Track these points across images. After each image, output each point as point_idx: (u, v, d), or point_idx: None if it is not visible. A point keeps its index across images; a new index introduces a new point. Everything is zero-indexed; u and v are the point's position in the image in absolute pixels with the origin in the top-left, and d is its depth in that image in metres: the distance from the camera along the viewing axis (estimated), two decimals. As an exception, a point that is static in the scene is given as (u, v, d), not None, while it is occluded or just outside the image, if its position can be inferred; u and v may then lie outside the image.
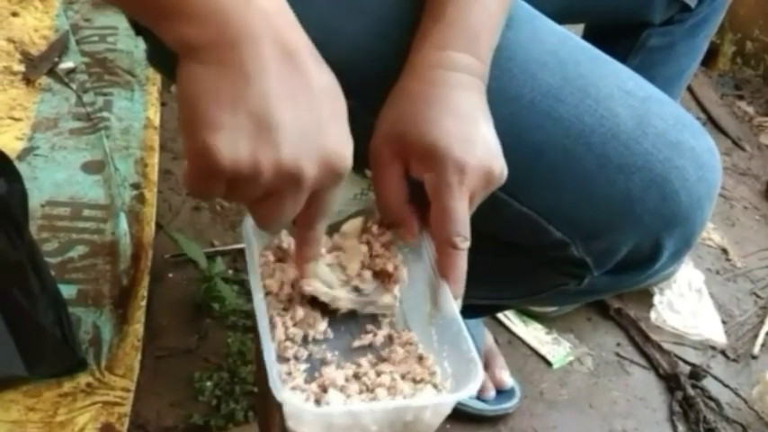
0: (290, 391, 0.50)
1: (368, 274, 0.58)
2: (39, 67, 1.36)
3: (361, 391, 0.52)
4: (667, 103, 0.70)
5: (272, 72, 0.45)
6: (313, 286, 0.56)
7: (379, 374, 0.54)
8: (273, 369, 0.48)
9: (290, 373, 0.53)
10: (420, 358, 0.56)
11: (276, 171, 0.45)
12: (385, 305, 0.58)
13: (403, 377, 0.54)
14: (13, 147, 1.18)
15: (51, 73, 1.36)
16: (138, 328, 0.97)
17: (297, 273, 0.57)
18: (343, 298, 0.57)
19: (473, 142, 0.56)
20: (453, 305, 0.55)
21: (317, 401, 0.51)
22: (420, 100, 0.58)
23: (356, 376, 0.54)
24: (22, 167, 1.06)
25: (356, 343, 0.57)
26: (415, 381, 0.54)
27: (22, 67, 1.35)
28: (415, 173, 0.57)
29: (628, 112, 0.66)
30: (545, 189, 0.66)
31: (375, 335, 0.57)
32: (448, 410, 0.52)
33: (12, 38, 1.41)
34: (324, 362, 0.55)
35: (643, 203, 0.66)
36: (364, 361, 0.55)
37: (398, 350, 0.56)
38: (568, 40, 0.70)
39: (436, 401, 0.52)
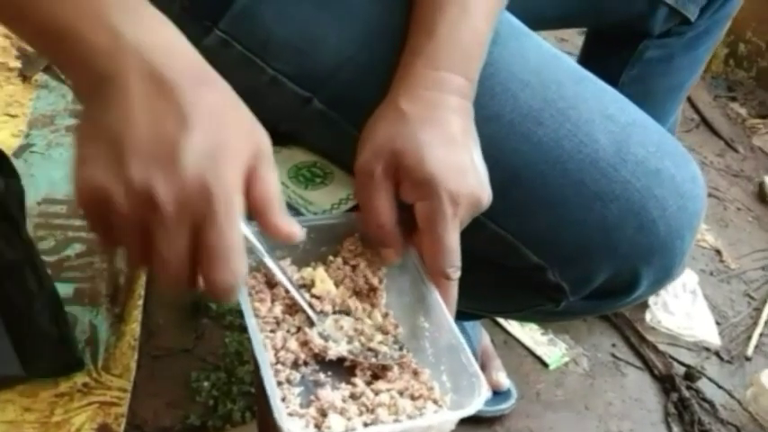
0: (293, 420, 0.49)
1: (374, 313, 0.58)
2: (35, 63, 1.35)
3: (361, 413, 0.51)
4: (651, 130, 0.69)
5: (134, 98, 0.44)
6: (322, 345, 0.54)
7: (377, 393, 0.52)
8: (276, 398, 0.47)
9: (284, 399, 0.51)
10: (415, 373, 0.54)
11: (127, 193, 0.43)
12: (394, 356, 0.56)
13: (401, 394, 0.52)
14: (9, 144, 1.17)
15: (48, 70, 1.35)
16: (134, 327, 0.96)
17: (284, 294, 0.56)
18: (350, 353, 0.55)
19: (466, 172, 0.56)
20: (448, 316, 0.55)
21: (317, 427, 0.49)
22: (416, 123, 0.57)
23: (353, 396, 0.52)
24: (18, 165, 1.05)
25: (348, 362, 0.55)
26: (413, 397, 0.52)
27: (18, 64, 1.34)
28: (405, 196, 0.57)
29: (608, 138, 0.65)
30: (521, 212, 0.66)
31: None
32: (452, 427, 0.51)
33: (8, 34, 1.40)
34: (317, 383, 0.53)
35: (619, 232, 0.65)
36: (359, 380, 0.53)
37: (393, 367, 0.54)
38: (553, 59, 0.69)
39: (442, 419, 0.51)
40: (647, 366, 1.22)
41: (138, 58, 0.44)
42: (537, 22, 0.71)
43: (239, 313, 1.06)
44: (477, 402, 0.50)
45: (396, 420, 0.50)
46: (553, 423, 1.11)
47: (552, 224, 0.66)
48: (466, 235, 0.57)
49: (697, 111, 1.81)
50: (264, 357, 0.50)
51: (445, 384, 0.54)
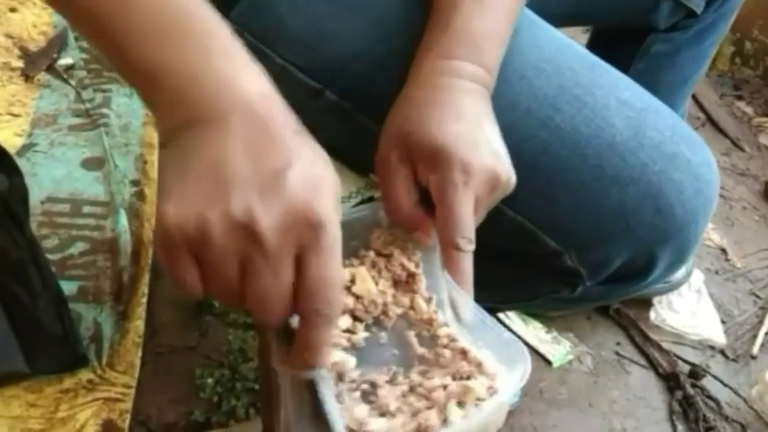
0: None
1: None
2: (37, 63, 1.35)
3: (417, 410, 0.49)
4: (665, 114, 0.69)
5: (236, 138, 0.42)
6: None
7: (430, 390, 0.51)
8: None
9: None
10: (463, 353, 0.53)
11: (225, 224, 0.40)
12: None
13: (454, 378, 0.51)
14: (12, 143, 1.18)
15: (50, 69, 1.35)
16: (138, 324, 0.96)
17: None
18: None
19: (478, 144, 0.56)
20: (466, 296, 0.54)
21: None
22: (425, 104, 0.57)
23: (412, 390, 0.51)
24: (21, 164, 1.05)
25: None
26: (468, 378, 0.51)
27: (20, 63, 1.35)
28: (421, 176, 0.57)
29: (624, 122, 0.66)
30: (539, 198, 0.66)
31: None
32: (515, 398, 0.50)
33: (10, 33, 1.41)
34: (374, 384, 0.51)
35: (637, 216, 0.66)
36: (414, 374, 0.52)
37: (444, 352, 0.53)
38: (566, 47, 0.70)
39: (502, 399, 0.50)
40: (652, 364, 1.22)
41: (242, 103, 0.43)
42: (544, 19, 0.71)
43: (243, 311, 1.07)
44: (523, 367, 0.49)
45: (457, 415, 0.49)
46: (557, 421, 1.11)
47: (570, 209, 0.66)
48: (485, 224, 0.57)
49: (703, 109, 1.80)
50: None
51: (488, 355, 0.53)
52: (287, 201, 0.41)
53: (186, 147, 0.43)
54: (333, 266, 0.43)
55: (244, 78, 0.44)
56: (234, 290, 0.43)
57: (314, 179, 0.43)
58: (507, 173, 0.57)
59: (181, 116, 0.43)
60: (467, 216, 0.54)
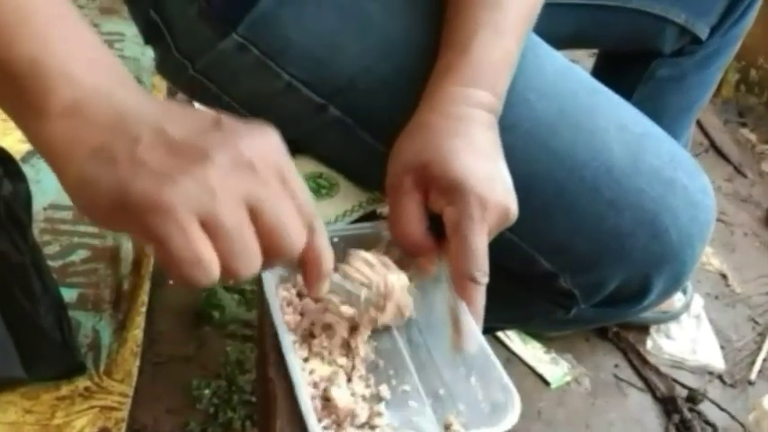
0: None
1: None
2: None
3: None
4: (664, 140, 0.70)
5: (149, 120, 0.41)
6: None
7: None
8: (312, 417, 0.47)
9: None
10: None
11: (225, 165, 0.39)
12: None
13: None
14: (17, 149, 1.18)
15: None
16: (137, 333, 0.97)
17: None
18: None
19: (494, 180, 0.57)
20: (476, 329, 0.54)
21: None
22: (444, 133, 0.58)
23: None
24: (25, 170, 1.05)
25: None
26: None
27: (29, 70, 1.36)
28: (434, 205, 0.57)
29: (622, 147, 0.66)
30: (536, 220, 0.66)
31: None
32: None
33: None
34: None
35: (633, 240, 0.66)
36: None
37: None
38: (569, 71, 0.70)
39: None
40: (650, 388, 1.21)
41: (128, 97, 0.42)
42: (549, 41, 0.72)
43: (242, 322, 1.07)
44: (511, 418, 0.49)
45: None
46: (554, 442, 1.10)
47: (566, 231, 0.66)
48: None
49: (707, 135, 1.81)
50: (299, 379, 0.50)
51: (478, 398, 0.53)
52: (220, 171, 0.40)
53: (102, 153, 0.40)
54: (282, 208, 0.42)
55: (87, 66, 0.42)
56: (254, 249, 0.41)
57: (235, 132, 0.42)
58: (516, 208, 0.58)
59: (78, 123, 0.41)
60: (482, 250, 0.55)
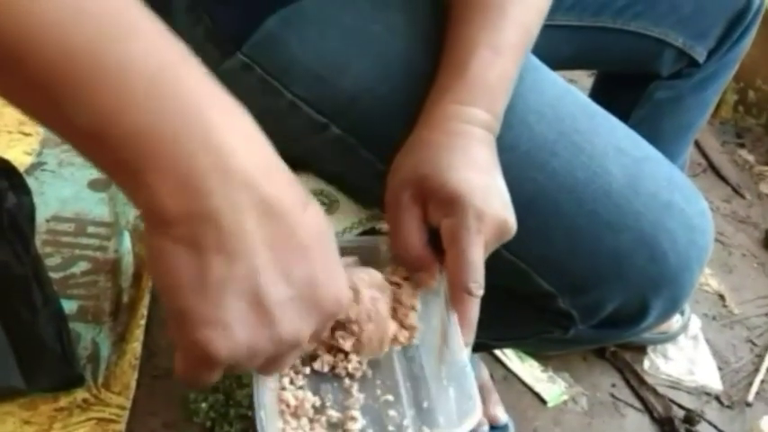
0: None
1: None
2: (51, 83, 1.38)
3: None
4: (662, 164, 0.70)
5: (257, 242, 0.40)
6: None
7: None
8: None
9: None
10: None
11: (276, 346, 0.42)
12: None
13: None
14: (21, 161, 1.20)
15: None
16: (136, 346, 0.97)
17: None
18: None
19: (491, 194, 0.57)
20: (461, 342, 0.55)
21: None
22: (441, 148, 0.58)
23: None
24: (29, 182, 1.06)
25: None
26: None
27: (34, 83, 1.37)
28: (432, 218, 0.57)
29: (620, 170, 0.66)
30: (534, 240, 0.66)
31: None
32: None
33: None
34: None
35: (630, 262, 0.66)
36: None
37: None
38: (568, 94, 0.71)
39: None
40: (647, 408, 1.22)
41: (248, 187, 0.39)
42: (548, 62, 0.73)
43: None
44: (467, 425, 0.50)
45: None
46: (550, 461, 1.10)
47: (564, 252, 0.67)
48: None
49: (705, 156, 1.82)
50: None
51: (452, 409, 0.54)
52: (323, 310, 0.43)
53: (201, 247, 0.39)
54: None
55: (246, 154, 0.40)
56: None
57: (333, 274, 0.44)
58: (513, 222, 0.58)
59: (181, 202, 0.38)
60: (478, 261, 0.56)
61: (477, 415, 0.50)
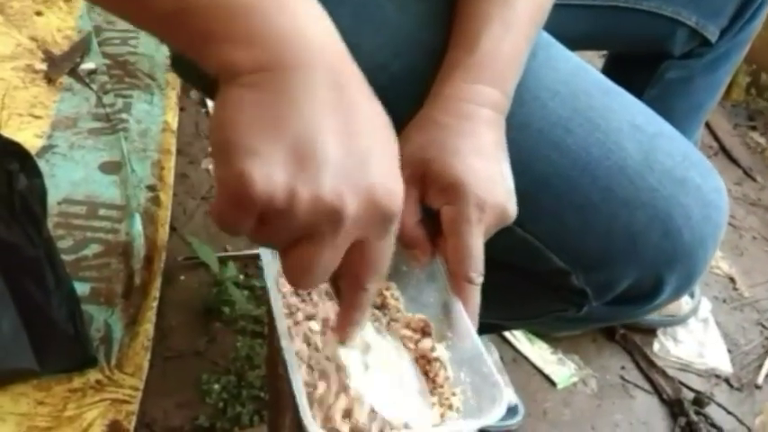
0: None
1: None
2: (60, 66, 1.38)
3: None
4: (677, 140, 0.70)
5: (321, 101, 0.41)
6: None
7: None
8: (303, 397, 0.48)
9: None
10: (435, 382, 0.55)
11: (313, 204, 0.40)
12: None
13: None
14: (32, 144, 1.20)
15: (72, 73, 1.38)
16: (148, 328, 0.98)
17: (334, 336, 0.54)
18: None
19: (494, 181, 0.57)
20: (470, 326, 0.55)
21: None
22: (448, 132, 0.58)
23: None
24: (40, 165, 1.06)
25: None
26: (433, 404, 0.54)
27: (43, 66, 1.37)
28: (431, 201, 0.58)
29: (635, 146, 0.66)
30: (548, 218, 0.67)
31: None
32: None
33: (35, 36, 1.44)
34: None
35: (645, 239, 0.66)
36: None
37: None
38: (581, 70, 0.70)
39: (459, 428, 0.52)
40: (656, 390, 1.22)
41: (321, 51, 0.42)
42: (560, 42, 0.72)
43: (251, 318, 1.08)
44: (497, 411, 0.50)
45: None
46: (559, 442, 1.11)
47: (579, 229, 0.67)
48: (493, 239, 0.58)
49: (716, 138, 1.81)
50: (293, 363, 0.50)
51: (467, 393, 0.54)
52: (372, 192, 0.42)
53: (269, 92, 0.40)
54: (388, 250, 0.46)
55: (320, 27, 0.43)
56: (283, 245, 0.43)
57: (391, 166, 0.44)
58: (514, 207, 0.58)
59: (259, 56, 0.40)
60: (479, 251, 0.56)
61: (504, 402, 0.50)
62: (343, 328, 0.51)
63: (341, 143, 0.41)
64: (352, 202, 0.41)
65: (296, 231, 0.41)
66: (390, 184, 0.43)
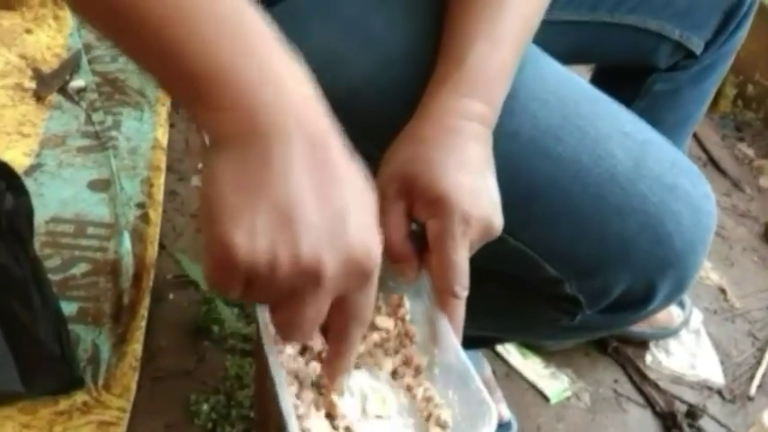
0: None
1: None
2: (50, 84, 1.38)
3: None
4: (665, 147, 0.70)
5: (298, 165, 0.43)
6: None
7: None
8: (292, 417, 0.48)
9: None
10: (427, 400, 0.55)
11: (293, 267, 0.42)
12: None
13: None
14: (20, 162, 1.19)
15: (62, 91, 1.37)
16: (136, 347, 0.97)
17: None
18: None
19: (479, 195, 0.57)
20: (455, 341, 0.55)
21: None
22: (434, 146, 0.58)
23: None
24: (28, 183, 1.06)
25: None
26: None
27: (33, 84, 1.37)
28: (418, 215, 0.58)
29: (625, 153, 0.66)
30: (541, 226, 0.67)
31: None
32: None
33: (24, 54, 1.43)
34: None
35: (637, 245, 0.66)
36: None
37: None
38: (570, 80, 0.71)
39: None
40: (649, 403, 1.21)
41: (296, 115, 0.44)
42: None
43: (241, 337, 1.07)
44: (487, 430, 0.50)
45: None
46: (553, 458, 1.10)
47: (571, 237, 0.67)
48: (486, 249, 0.58)
49: (705, 150, 1.82)
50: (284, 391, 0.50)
51: (455, 411, 0.54)
52: (349, 250, 0.44)
53: (249, 158, 0.43)
54: (369, 300, 0.48)
55: (298, 89, 0.46)
56: (271, 304, 0.46)
57: (368, 221, 0.46)
58: (500, 221, 0.58)
59: (242, 125, 0.43)
60: (463, 264, 0.56)
61: (494, 420, 0.50)
62: (331, 377, 0.52)
63: (318, 204, 0.43)
64: (331, 260, 0.43)
65: (280, 292, 0.44)
66: (367, 240, 0.45)
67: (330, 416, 0.52)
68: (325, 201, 0.43)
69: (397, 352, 0.58)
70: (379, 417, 0.54)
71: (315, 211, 0.43)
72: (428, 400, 0.55)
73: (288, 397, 0.49)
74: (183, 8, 0.44)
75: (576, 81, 0.71)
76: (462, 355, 0.54)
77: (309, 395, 0.52)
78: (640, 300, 0.70)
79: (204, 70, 0.44)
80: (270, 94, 0.44)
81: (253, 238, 0.41)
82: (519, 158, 0.64)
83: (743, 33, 0.98)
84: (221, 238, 0.42)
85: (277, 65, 0.45)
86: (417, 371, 0.57)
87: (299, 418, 0.50)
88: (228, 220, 0.42)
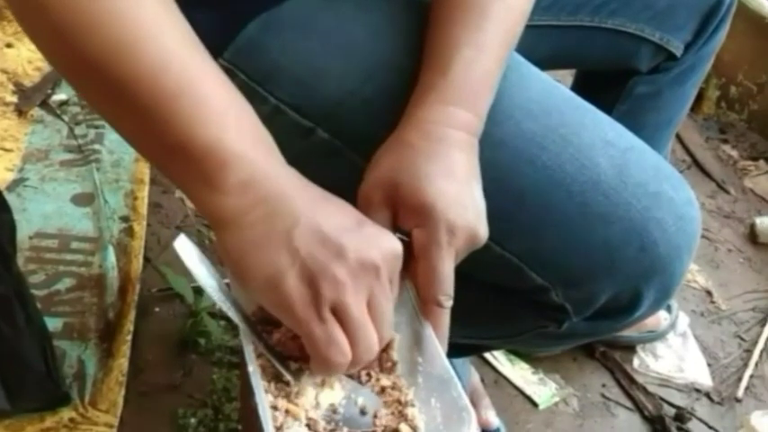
0: None
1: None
2: (31, 98, 1.37)
3: None
4: (648, 154, 0.71)
5: (302, 209, 0.52)
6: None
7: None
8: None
9: None
10: (402, 414, 0.55)
11: (359, 263, 0.50)
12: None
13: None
14: (2, 177, 1.18)
15: (44, 105, 1.36)
16: (122, 362, 0.96)
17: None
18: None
19: (465, 206, 0.57)
20: (440, 350, 0.55)
21: None
22: (420, 154, 0.58)
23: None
24: (11, 198, 1.06)
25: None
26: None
27: (14, 99, 1.36)
28: (403, 224, 0.58)
29: (608, 161, 0.67)
30: (525, 235, 0.67)
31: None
32: None
33: (5, 69, 1.42)
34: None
35: (622, 253, 0.66)
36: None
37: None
38: (553, 88, 0.71)
39: None
40: (638, 407, 1.22)
41: (290, 179, 0.53)
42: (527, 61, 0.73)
43: (228, 349, 1.07)
44: None
45: None
46: (543, 464, 1.10)
47: (556, 245, 0.67)
48: (472, 258, 0.58)
49: (689, 152, 1.83)
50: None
51: (437, 420, 0.54)
52: (379, 241, 0.53)
53: (262, 223, 0.51)
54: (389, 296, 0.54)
55: (273, 154, 0.54)
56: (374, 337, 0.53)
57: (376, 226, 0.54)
58: (485, 230, 0.58)
59: (247, 201, 0.51)
60: (448, 274, 0.56)
61: (473, 426, 0.50)
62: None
63: (339, 222, 0.53)
64: (376, 254, 0.51)
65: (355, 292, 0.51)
66: (385, 235, 0.54)
67: (309, 426, 0.52)
68: (341, 220, 0.53)
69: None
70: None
71: (337, 226, 0.52)
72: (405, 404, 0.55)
73: (268, 411, 0.49)
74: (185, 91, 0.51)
75: (558, 89, 0.72)
76: (446, 363, 0.54)
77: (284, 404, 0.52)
78: (627, 307, 0.70)
79: (207, 155, 0.50)
80: (264, 164, 0.53)
81: (307, 275, 0.50)
82: (504, 167, 0.65)
83: (722, 35, 0.99)
84: (285, 298, 0.50)
85: (251, 140, 0.53)
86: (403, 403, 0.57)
87: (279, 429, 0.50)
88: (280, 278, 0.50)
